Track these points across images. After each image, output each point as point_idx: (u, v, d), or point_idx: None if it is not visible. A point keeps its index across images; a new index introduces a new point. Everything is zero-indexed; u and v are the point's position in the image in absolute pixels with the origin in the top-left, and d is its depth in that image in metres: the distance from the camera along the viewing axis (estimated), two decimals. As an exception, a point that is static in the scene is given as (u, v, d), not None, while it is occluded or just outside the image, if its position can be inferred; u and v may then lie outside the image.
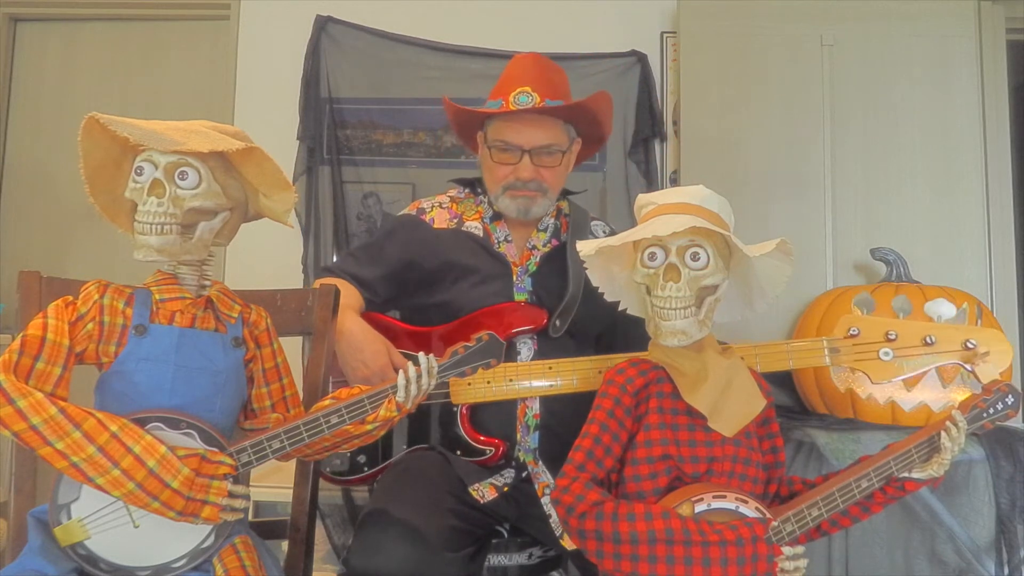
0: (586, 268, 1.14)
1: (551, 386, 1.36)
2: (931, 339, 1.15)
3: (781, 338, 1.94)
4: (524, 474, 1.42)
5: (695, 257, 1.03)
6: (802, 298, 1.91)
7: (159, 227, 1.01)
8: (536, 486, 1.40)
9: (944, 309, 1.25)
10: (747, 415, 1.07)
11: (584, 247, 1.08)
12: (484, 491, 1.36)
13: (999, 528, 1.50)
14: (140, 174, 1.02)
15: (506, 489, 1.38)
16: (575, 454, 1.04)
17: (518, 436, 1.43)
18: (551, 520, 1.35)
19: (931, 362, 1.16)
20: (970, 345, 1.14)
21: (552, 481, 1.39)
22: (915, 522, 1.57)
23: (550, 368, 1.36)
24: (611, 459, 1.04)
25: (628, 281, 1.13)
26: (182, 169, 1.02)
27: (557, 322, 1.46)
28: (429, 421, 1.45)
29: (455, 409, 1.42)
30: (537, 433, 1.43)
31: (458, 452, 1.42)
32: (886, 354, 1.17)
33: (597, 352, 1.51)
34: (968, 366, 1.16)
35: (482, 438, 1.42)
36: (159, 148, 1.01)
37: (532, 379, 1.36)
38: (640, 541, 0.95)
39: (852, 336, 1.20)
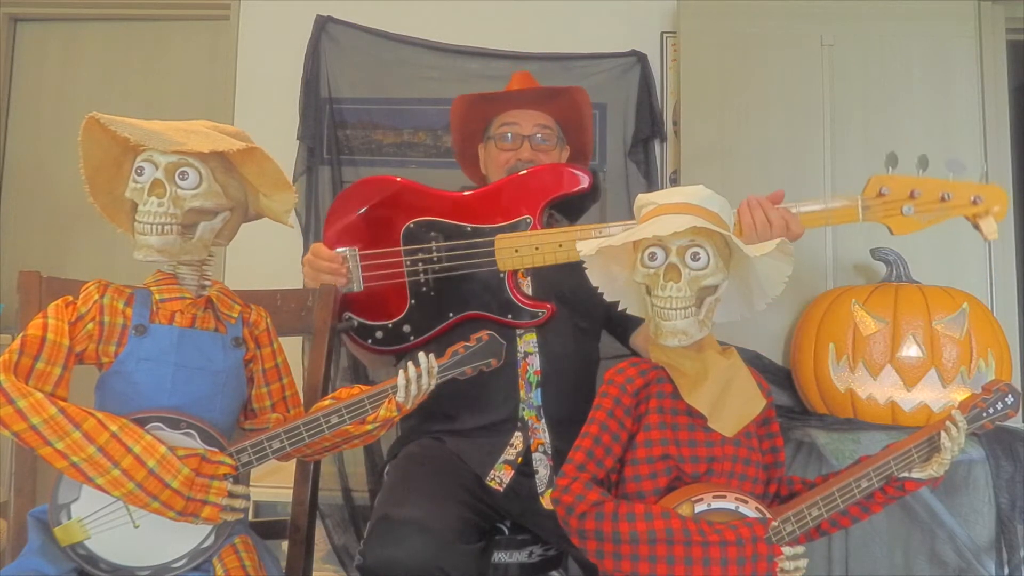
0: (586, 268, 1.14)
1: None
2: (947, 195, 1.27)
3: (781, 338, 1.94)
4: (531, 440, 1.43)
5: (695, 257, 1.03)
6: (802, 298, 1.90)
7: (159, 227, 1.01)
8: (532, 442, 1.42)
9: (959, 166, 1.35)
10: (747, 415, 1.07)
11: (584, 247, 1.09)
12: (501, 475, 1.38)
13: (999, 528, 1.50)
14: (140, 174, 1.02)
15: (520, 461, 1.40)
16: (575, 454, 1.04)
17: (521, 394, 1.44)
18: (537, 477, 1.39)
19: (943, 216, 1.28)
20: (978, 200, 1.25)
21: (548, 440, 1.42)
22: (915, 522, 1.57)
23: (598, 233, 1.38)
24: (611, 459, 1.04)
25: (628, 281, 1.13)
26: (182, 169, 1.02)
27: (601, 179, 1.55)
28: (478, 287, 1.46)
29: (502, 275, 1.44)
30: (539, 390, 1.45)
31: (509, 316, 1.44)
32: (908, 210, 1.29)
33: (606, 332, 1.61)
34: (973, 222, 1.29)
35: (530, 301, 1.44)
36: (159, 148, 1.01)
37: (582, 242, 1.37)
38: (640, 541, 0.95)
39: (882, 195, 1.30)
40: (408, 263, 1.46)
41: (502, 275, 1.44)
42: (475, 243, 1.45)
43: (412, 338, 1.47)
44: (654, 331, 1.06)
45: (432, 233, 1.47)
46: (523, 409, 1.44)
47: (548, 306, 1.44)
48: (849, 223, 1.38)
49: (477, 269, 1.43)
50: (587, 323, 1.55)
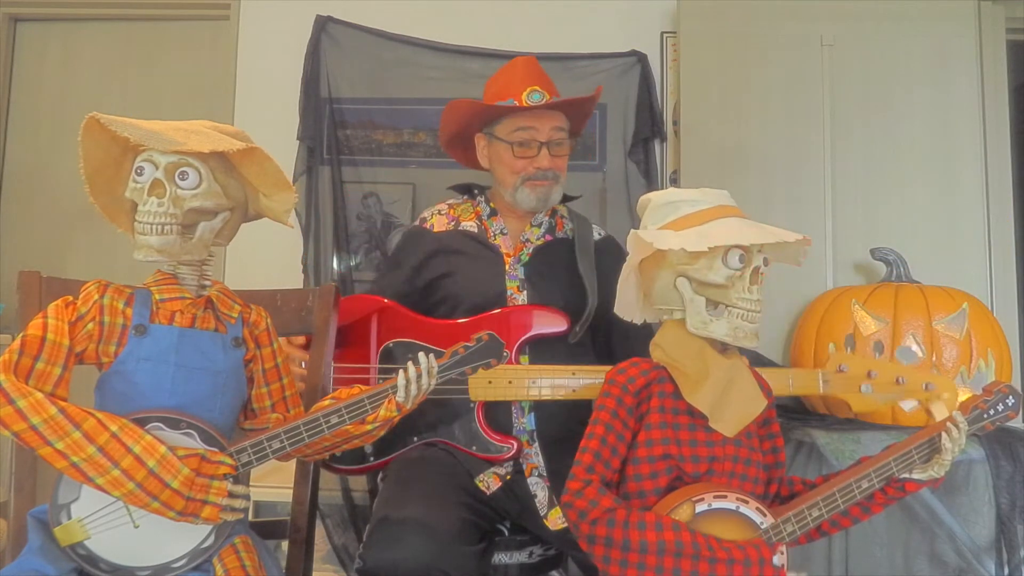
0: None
1: (572, 391, 1.37)
2: (902, 380, 1.35)
3: (781, 338, 1.95)
4: (523, 465, 1.43)
5: (767, 263, 1.05)
6: (802, 298, 1.90)
7: (159, 227, 1.01)
8: (525, 467, 1.42)
9: (911, 354, 1.55)
10: (748, 415, 1.07)
11: (663, 240, 1.04)
12: (489, 481, 1.38)
13: (999, 528, 1.50)
14: (140, 174, 1.02)
15: (508, 477, 1.40)
16: (582, 456, 1.04)
17: (513, 418, 1.45)
18: (536, 501, 1.37)
19: (898, 398, 1.37)
20: (930, 387, 1.33)
21: (542, 463, 1.42)
22: (915, 522, 1.57)
23: (573, 374, 1.38)
24: (617, 459, 1.04)
25: (633, 285, 1.12)
26: (182, 169, 1.02)
27: (577, 329, 1.49)
28: (446, 415, 1.45)
29: (472, 405, 1.43)
30: (532, 414, 1.45)
31: (474, 447, 1.42)
32: (866, 388, 1.36)
33: (595, 353, 1.55)
34: (925, 406, 1.36)
35: (498, 436, 1.43)
36: (159, 148, 1.01)
37: (555, 380, 1.37)
38: (648, 551, 0.95)
39: (841, 372, 1.38)
40: (379, 380, 1.43)
41: (472, 405, 1.43)
42: None
43: (372, 459, 1.46)
44: (730, 333, 1.03)
45: (409, 355, 1.44)
46: (515, 432, 1.45)
47: (513, 441, 1.43)
48: (809, 394, 1.47)
49: (448, 396, 1.40)
50: (581, 338, 1.53)
